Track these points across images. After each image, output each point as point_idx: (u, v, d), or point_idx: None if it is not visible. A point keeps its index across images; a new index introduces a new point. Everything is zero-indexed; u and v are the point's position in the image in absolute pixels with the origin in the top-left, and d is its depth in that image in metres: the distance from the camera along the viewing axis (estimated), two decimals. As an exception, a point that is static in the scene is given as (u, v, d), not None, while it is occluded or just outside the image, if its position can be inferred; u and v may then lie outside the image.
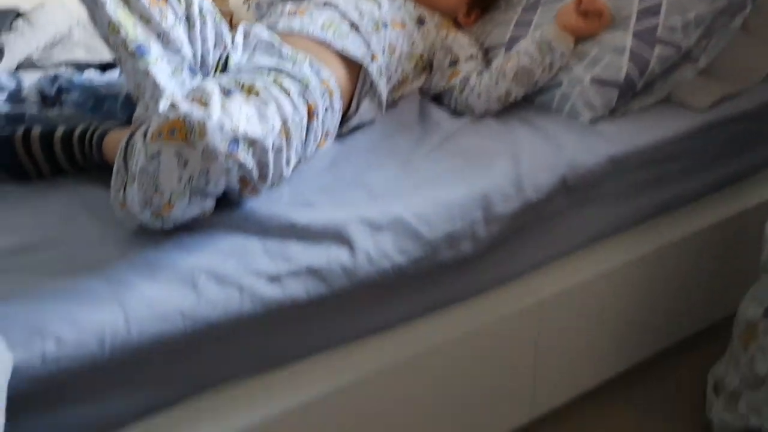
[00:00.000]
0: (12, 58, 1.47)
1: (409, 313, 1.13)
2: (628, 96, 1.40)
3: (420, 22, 1.51)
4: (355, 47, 1.33)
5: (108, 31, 1.05)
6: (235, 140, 0.96)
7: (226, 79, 1.09)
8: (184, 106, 0.94)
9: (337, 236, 1.04)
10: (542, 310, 1.24)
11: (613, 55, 1.38)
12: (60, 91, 1.32)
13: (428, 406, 1.18)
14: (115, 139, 1.10)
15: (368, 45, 1.35)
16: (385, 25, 1.42)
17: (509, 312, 1.20)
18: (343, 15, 1.38)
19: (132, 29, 1.05)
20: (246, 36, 1.29)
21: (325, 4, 1.42)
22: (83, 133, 1.15)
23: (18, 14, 1.55)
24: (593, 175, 1.24)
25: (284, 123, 1.07)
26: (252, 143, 0.98)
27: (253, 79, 1.10)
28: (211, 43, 1.17)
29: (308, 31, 1.32)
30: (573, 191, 1.23)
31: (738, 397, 1.27)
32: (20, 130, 1.16)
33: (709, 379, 1.38)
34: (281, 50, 1.24)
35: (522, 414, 1.33)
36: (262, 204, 1.09)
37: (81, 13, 1.65)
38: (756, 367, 1.24)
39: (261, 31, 1.29)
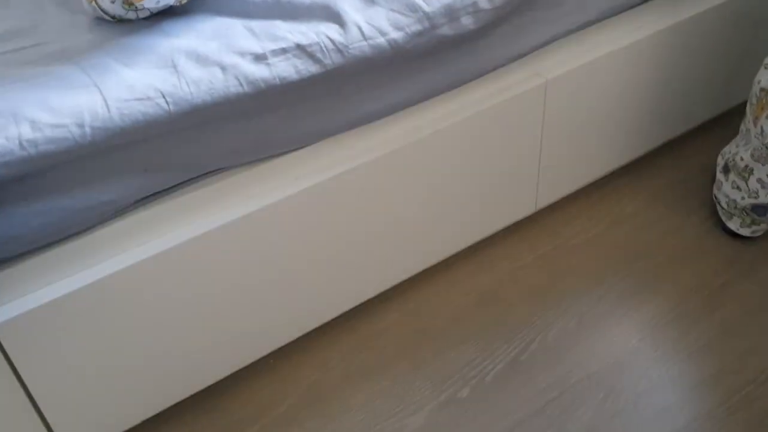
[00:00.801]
0: None
1: (410, 98, 1.07)
2: None
3: None
4: None
5: None
6: None
7: None
8: None
9: (326, 12, 0.97)
10: (548, 91, 1.18)
11: None
12: None
13: (434, 196, 1.16)
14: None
15: None
16: None
17: (514, 94, 1.14)
18: None
19: None
20: None
21: None
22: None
23: None
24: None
25: None
26: None
27: None
28: None
29: None
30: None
31: (749, 174, 1.24)
32: None
33: (718, 159, 1.35)
34: None
35: (528, 204, 1.31)
36: (243, -16, 1.00)
37: None
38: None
39: None
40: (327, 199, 1.03)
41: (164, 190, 0.93)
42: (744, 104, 1.27)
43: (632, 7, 1.26)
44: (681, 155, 1.51)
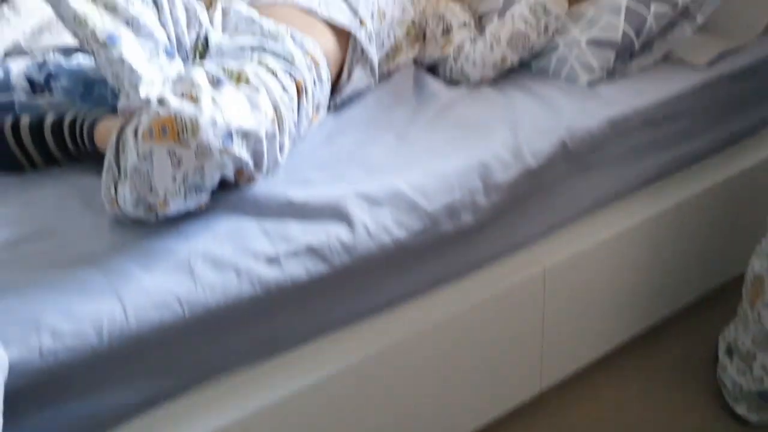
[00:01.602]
0: (-2, 46, 1.45)
1: (412, 289, 1.11)
2: (626, 56, 1.37)
3: None
4: (341, 14, 1.30)
5: (75, 25, 1.01)
6: (228, 134, 0.94)
7: (212, 66, 1.06)
8: (175, 103, 0.92)
9: (336, 213, 1.02)
10: (547, 279, 1.22)
11: (609, 15, 1.35)
12: (49, 77, 1.29)
13: (435, 384, 1.17)
14: (106, 128, 1.07)
15: (355, 11, 1.32)
16: None
17: (514, 283, 1.18)
18: None
19: (99, 19, 1.01)
20: (225, 14, 1.26)
21: None
22: (73, 121, 1.12)
23: (2, 1, 1.52)
24: (593, 138, 1.22)
25: (276, 108, 1.04)
26: (246, 135, 0.96)
27: (240, 65, 1.07)
28: (183, 23, 1.14)
29: (293, 0, 1.29)
30: (573, 156, 1.21)
31: (752, 359, 1.26)
32: (9, 120, 1.13)
33: (720, 342, 1.37)
34: (262, 25, 1.21)
35: (532, 386, 1.32)
36: (258, 184, 1.07)
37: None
38: (766, 324, 1.22)
39: (240, 6, 1.27)
40: (329, 395, 1.04)
41: (174, 392, 0.94)
42: (740, 277, 1.31)
43: (626, 195, 1.33)
44: (684, 331, 1.53)
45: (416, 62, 1.46)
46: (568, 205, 1.25)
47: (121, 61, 1.00)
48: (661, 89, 1.31)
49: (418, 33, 1.45)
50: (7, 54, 1.46)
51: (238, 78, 1.04)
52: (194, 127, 0.91)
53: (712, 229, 1.46)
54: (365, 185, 1.06)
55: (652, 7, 1.36)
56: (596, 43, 1.34)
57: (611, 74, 1.36)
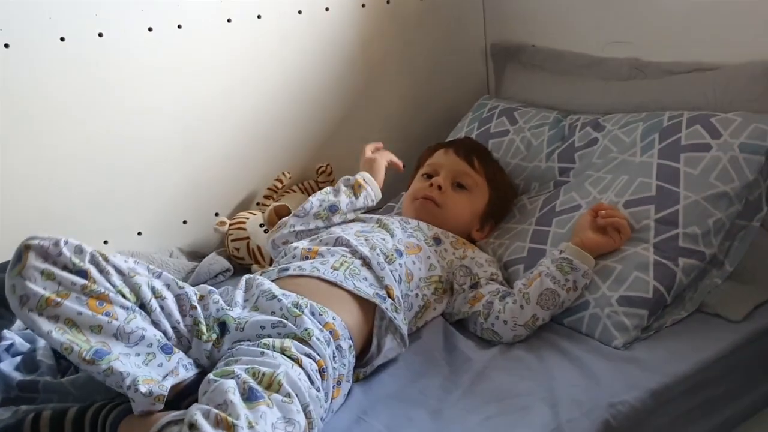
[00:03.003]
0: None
1: None
2: (658, 312, 1.35)
3: (436, 241, 1.50)
4: (366, 285, 1.30)
5: (63, 351, 1.03)
6: None
7: (241, 369, 1.03)
8: None
9: None
10: None
11: (638, 271, 1.35)
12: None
13: None
14: (131, 427, 1.03)
15: (381, 280, 1.32)
16: (400, 254, 1.40)
17: None
18: (354, 251, 1.36)
19: (85, 343, 1.03)
20: (249, 287, 1.26)
21: (336, 240, 1.41)
22: (96, 414, 1.08)
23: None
24: (636, 412, 1.16)
25: (307, 412, 1.01)
26: None
27: (267, 363, 1.05)
28: (176, 314, 1.15)
29: (319, 272, 1.30)
30: (616, 433, 1.15)
31: None
32: (30, 416, 1.10)
33: None
34: (281, 301, 1.20)
35: None
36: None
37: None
38: None
39: (262, 280, 1.27)
40: None
41: None
42: None
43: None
44: None
45: (444, 315, 1.44)
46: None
47: (110, 371, 1.01)
48: (700, 349, 1.27)
49: (446, 287, 1.45)
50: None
51: (269, 384, 1.01)
52: None
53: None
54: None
55: (680, 261, 1.36)
56: (628, 301, 1.32)
57: (646, 330, 1.33)
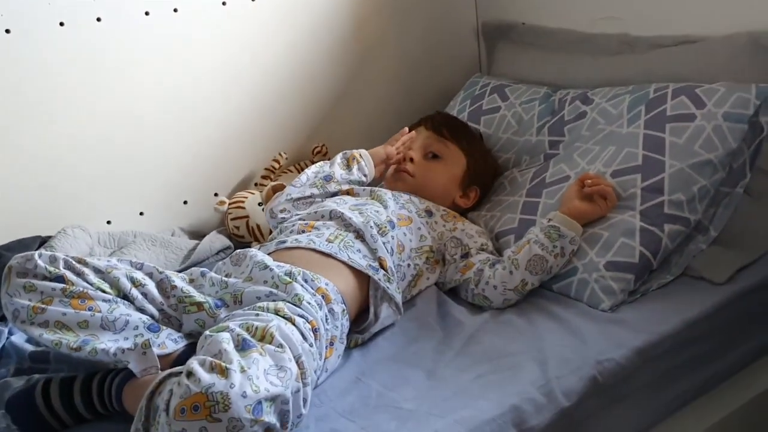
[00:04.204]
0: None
1: None
2: (645, 276, 1.39)
3: (428, 213, 1.54)
4: (359, 257, 1.34)
5: (54, 347, 1.11)
6: (258, 403, 0.94)
7: (237, 323, 1.08)
8: (205, 378, 0.94)
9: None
10: None
11: (625, 237, 1.39)
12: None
13: None
14: (134, 392, 1.08)
15: (374, 252, 1.37)
16: (393, 226, 1.44)
17: None
18: (348, 225, 1.41)
19: (73, 336, 1.11)
20: (242, 260, 1.32)
21: (331, 212, 1.45)
22: (102, 379, 1.13)
23: (42, 241, 1.59)
24: (623, 370, 1.21)
25: (299, 362, 1.05)
26: (274, 399, 0.97)
27: (261, 319, 1.10)
28: (159, 297, 1.22)
29: (314, 245, 1.34)
30: (603, 390, 1.20)
31: None
32: (41, 382, 1.14)
33: None
34: (273, 270, 1.24)
35: None
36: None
37: (101, 233, 1.70)
38: None
39: (254, 252, 1.32)
40: None
41: None
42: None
43: (657, 423, 1.30)
44: None
45: (437, 285, 1.49)
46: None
47: (95, 351, 1.09)
48: (684, 310, 1.32)
49: (438, 258, 1.49)
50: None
51: (263, 336, 1.06)
52: (225, 402, 0.92)
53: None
54: (398, 440, 1.05)
55: (666, 227, 1.40)
56: (615, 266, 1.37)
57: (632, 294, 1.38)
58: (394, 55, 2.14)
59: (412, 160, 1.66)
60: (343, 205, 1.49)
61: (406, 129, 1.73)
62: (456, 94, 2.05)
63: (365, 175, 1.64)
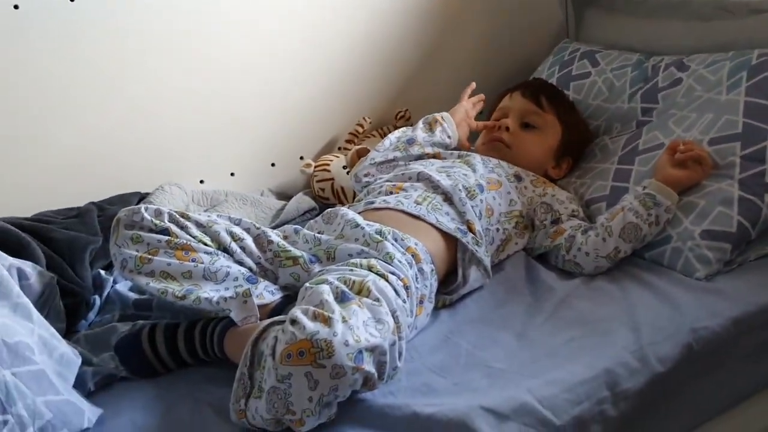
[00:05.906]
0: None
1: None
2: (742, 246, 1.36)
3: (517, 178, 1.53)
4: (448, 220, 1.35)
5: (160, 296, 1.17)
6: (359, 352, 0.97)
7: (334, 277, 1.11)
8: (309, 326, 0.97)
9: (463, 429, 1.02)
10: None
11: (722, 206, 1.36)
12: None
13: None
14: (235, 340, 1.13)
15: (462, 215, 1.37)
16: (481, 188, 1.44)
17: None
18: (436, 187, 1.42)
19: (177, 285, 1.18)
20: (334, 218, 1.35)
21: (419, 174, 1.46)
22: (205, 326, 1.18)
23: (141, 197, 1.66)
24: (719, 339, 1.19)
25: (395, 316, 1.08)
26: (373, 350, 1.00)
27: (357, 274, 1.12)
28: (256, 251, 1.27)
29: (403, 206, 1.35)
30: (698, 358, 1.18)
31: None
32: (147, 327, 1.20)
33: None
34: (364, 229, 1.27)
35: None
36: (380, 392, 1.08)
37: (195, 192, 1.76)
38: None
39: (345, 210, 1.34)
40: None
41: None
42: None
43: (753, 395, 1.28)
44: None
45: (526, 250, 1.49)
46: (692, 409, 1.21)
47: (198, 300, 1.15)
48: (784, 281, 1.28)
49: (527, 223, 1.49)
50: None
51: (360, 290, 1.08)
52: (329, 349, 0.95)
53: None
54: (490, 397, 1.05)
55: (766, 197, 1.36)
56: (711, 235, 1.34)
57: (728, 263, 1.34)
58: (480, 20, 2.11)
59: (508, 129, 1.64)
60: (430, 167, 1.49)
61: (474, 84, 1.73)
62: (542, 61, 2.02)
63: (449, 137, 1.63)
